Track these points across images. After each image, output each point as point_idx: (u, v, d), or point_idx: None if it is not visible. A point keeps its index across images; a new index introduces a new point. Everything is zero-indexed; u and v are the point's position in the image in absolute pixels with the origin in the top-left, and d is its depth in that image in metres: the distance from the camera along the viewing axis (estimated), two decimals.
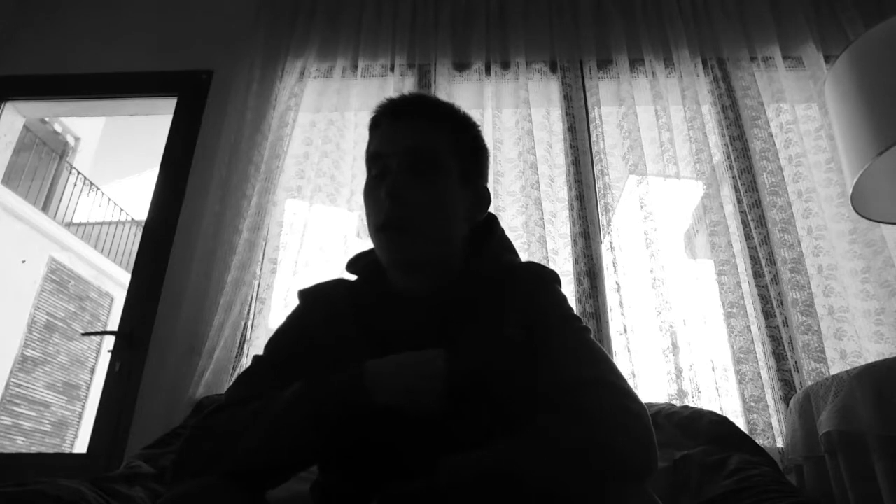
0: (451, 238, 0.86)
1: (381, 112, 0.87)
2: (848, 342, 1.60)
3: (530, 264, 0.93)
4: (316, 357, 0.82)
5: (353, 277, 0.95)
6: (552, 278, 0.90)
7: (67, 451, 7.15)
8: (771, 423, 1.50)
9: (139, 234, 2.99)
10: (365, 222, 0.91)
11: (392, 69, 2.02)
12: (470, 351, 0.79)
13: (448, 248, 0.86)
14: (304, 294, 0.93)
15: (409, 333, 0.81)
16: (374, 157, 0.84)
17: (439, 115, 0.87)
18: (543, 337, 0.80)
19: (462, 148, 0.88)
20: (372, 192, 0.84)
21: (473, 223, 0.90)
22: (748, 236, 1.77)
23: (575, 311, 0.87)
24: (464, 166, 0.87)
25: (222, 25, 2.21)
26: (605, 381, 0.73)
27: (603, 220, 1.81)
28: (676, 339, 1.62)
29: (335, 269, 1.78)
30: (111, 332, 1.82)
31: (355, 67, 2.03)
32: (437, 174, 0.83)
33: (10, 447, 6.65)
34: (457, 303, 0.83)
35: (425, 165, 0.82)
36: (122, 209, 8.95)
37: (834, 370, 1.53)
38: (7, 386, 6.63)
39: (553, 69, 2.04)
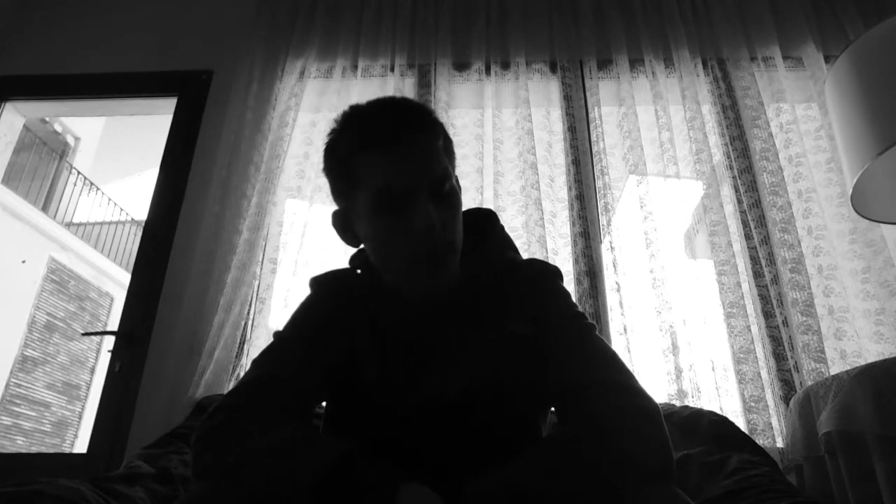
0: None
1: (376, 138, 0.78)
2: (848, 342, 1.60)
3: (532, 261, 0.93)
4: (333, 342, 0.82)
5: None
6: (555, 274, 0.90)
7: (67, 451, 7.15)
8: (771, 423, 1.50)
9: (139, 234, 2.99)
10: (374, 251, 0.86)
11: (392, 69, 2.02)
12: (480, 357, 0.79)
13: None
14: (317, 281, 0.93)
15: (412, 332, 0.82)
16: (384, 192, 0.76)
17: (431, 125, 0.81)
18: (547, 335, 0.80)
19: (449, 149, 0.86)
20: (390, 224, 0.77)
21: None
22: (748, 236, 1.77)
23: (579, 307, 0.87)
24: (453, 167, 0.86)
25: (222, 25, 2.21)
26: (613, 381, 0.73)
27: (603, 220, 1.81)
28: (676, 339, 1.62)
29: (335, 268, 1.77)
30: (111, 332, 1.82)
31: (355, 67, 2.03)
32: (452, 192, 0.81)
33: (10, 447, 6.65)
34: (460, 302, 0.83)
35: (443, 188, 0.79)
36: (122, 209, 8.95)
37: (834, 370, 1.53)
38: (7, 386, 6.63)
39: (553, 69, 2.04)
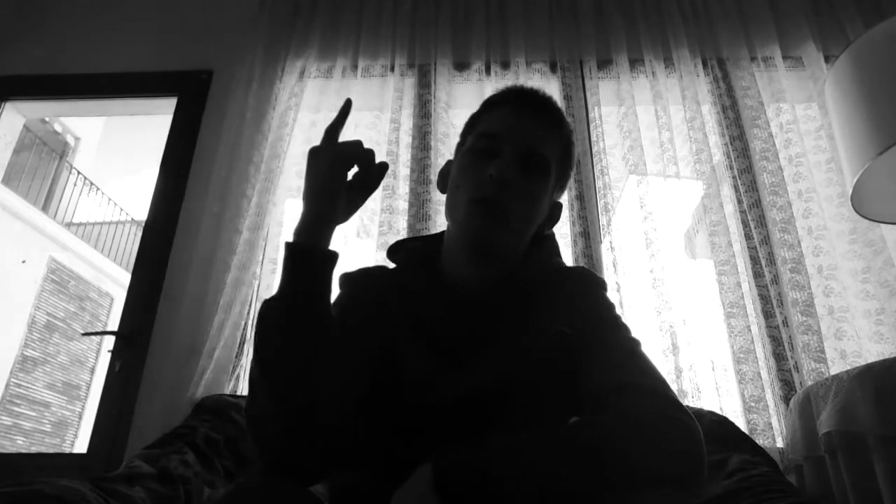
0: (526, 240, 0.89)
1: (511, 96, 0.90)
2: (848, 342, 1.60)
3: (581, 269, 0.95)
4: (360, 339, 0.82)
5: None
6: (601, 284, 0.90)
7: (67, 451, 7.15)
8: (771, 423, 1.50)
9: (139, 234, 2.99)
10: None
11: (392, 69, 2.02)
12: (506, 353, 0.79)
13: (520, 247, 0.88)
14: (348, 278, 0.93)
15: (454, 326, 0.82)
16: (488, 136, 0.86)
17: (561, 125, 0.90)
18: (590, 341, 0.79)
19: (564, 162, 0.92)
20: (474, 165, 0.85)
21: (540, 233, 0.92)
22: (748, 236, 1.77)
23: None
24: (558, 180, 0.91)
25: (222, 25, 2.20)
26: (650, 387, 0.72)
27: (603, 220, 1.81)
28: (676, 339, 1.62)
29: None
30: (111, 332, 1.82)
31: (355, 67, 2.03)
32: (542, 178, 0.86)
33: (10, 447, 6.65)
34: (504, 301, 0.84)
35: (536, 167, 0.85)
36: (122, 209, 8.96)
37: (834, 370, 1.53)
38: (7, 386, 6.63)
39: (553, 69, 2.04)
